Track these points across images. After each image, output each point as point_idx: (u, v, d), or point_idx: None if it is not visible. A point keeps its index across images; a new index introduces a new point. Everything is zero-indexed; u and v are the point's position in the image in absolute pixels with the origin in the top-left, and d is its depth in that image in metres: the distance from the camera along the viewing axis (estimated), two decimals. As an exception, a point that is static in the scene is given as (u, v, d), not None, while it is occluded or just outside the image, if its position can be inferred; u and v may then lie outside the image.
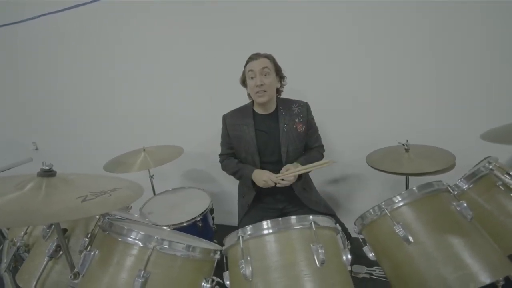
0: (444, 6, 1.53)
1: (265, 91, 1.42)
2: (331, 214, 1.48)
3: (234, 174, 1.57)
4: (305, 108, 1.53)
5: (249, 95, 1.57)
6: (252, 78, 1.43)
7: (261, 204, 1.56)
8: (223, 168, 1.65)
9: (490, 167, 1.09)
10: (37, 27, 2.34)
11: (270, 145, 1.50)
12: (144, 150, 1.84)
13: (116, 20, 2.14)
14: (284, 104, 1.53)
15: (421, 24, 1.59)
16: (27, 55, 2.50)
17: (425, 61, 1.65)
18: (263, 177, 1.40)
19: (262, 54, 1.45)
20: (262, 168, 1.51)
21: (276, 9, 1.78)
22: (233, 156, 1.62)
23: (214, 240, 1.52)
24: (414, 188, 0.98)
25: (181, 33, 2.02)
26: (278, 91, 1.56)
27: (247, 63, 1.47)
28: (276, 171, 1.43)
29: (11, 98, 2.74)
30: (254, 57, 1.44)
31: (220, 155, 1.67)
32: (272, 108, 1.52)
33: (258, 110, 1.54)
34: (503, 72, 1.55)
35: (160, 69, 2.15)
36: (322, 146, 1.64)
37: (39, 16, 2.30)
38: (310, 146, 1.58)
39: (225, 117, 1.60)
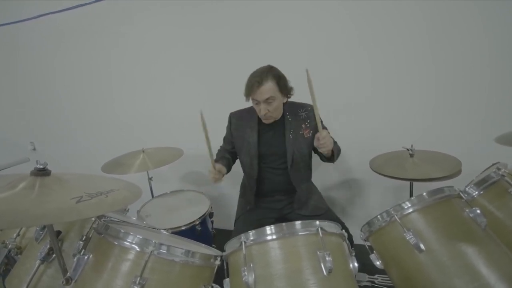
0: (450, 9, 1.51)
1: (271, 116, 1.36)
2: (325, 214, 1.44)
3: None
4: (312, 112, 1.45)
5: None
6: (256, 104, 1.34)
7: (260, 203, 1.53)
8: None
9: (501, 173, 1.06)
10: (36, 27, 2.32)
11: (274, 152, 1.46)
12: (143, 151, 1.80)
13: (115, 22, 2.12)
14: (291, 110, 1.46)
15: (427, 26, 1.58)
16: (26, 56, 2.47)
17: (429, 67, 1.62)
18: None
19: (265, 77, 1.26)
20: (263, 173, 1.49)
21: (275, 10, 1.76)
22: (228, 154, 1.56)
23: (213, 245, 1.48)
24: (424, 193, 0.94)
25: (180, 34, 2.00)
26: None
27: (248, 88, 1.30)
28: (279, 176, 1.47)
29: (9, 98, 2.70)
30: (256, 86, 1.26)
31: (220, 147, 1.64)
32: (277, 117, 1.44)
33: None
34: (507, 78, 1.53)
35: (160, 71, 2.13)
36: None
37: (38, 16, 2.27)
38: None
39: (231, 116, 1.57)
